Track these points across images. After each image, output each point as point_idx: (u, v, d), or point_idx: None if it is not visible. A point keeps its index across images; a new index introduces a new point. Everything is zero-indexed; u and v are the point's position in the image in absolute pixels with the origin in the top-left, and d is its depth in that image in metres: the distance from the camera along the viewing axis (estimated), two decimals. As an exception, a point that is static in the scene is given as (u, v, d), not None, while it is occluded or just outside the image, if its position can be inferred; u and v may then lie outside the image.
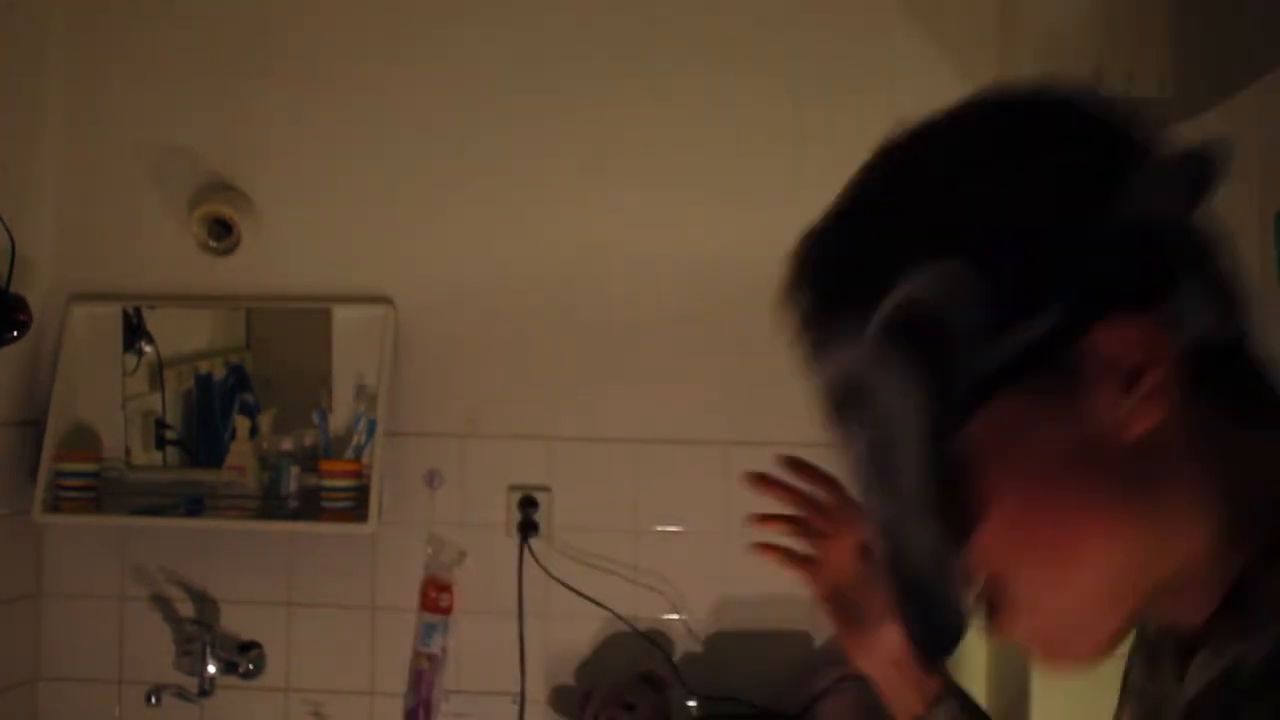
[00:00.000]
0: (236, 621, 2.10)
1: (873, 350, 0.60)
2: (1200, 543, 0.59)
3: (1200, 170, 0.59)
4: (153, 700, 1.97)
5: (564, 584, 2.02)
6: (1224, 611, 0.58)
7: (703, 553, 2.03)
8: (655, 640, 2.01)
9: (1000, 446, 0.58)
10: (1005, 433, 0.57)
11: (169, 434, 2.12)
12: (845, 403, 0.63)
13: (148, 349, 2.12)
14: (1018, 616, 0.60)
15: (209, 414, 2.11)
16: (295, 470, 2.04)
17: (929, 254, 0.58)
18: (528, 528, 2.02)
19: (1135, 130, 0.61)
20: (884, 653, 1.05)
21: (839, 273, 0.64)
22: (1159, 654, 0.69)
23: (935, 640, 0.62)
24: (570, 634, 2.04)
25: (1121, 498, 0.57)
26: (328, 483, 1.98)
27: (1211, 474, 0.58)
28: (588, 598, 2.01)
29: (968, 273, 0.57)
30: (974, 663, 1.98)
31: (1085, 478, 0.57)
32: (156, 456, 2.12)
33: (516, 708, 2.02)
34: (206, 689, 2.01)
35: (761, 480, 1.12)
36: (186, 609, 2.10)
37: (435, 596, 2.04)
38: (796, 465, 1.13)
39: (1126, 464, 0.57)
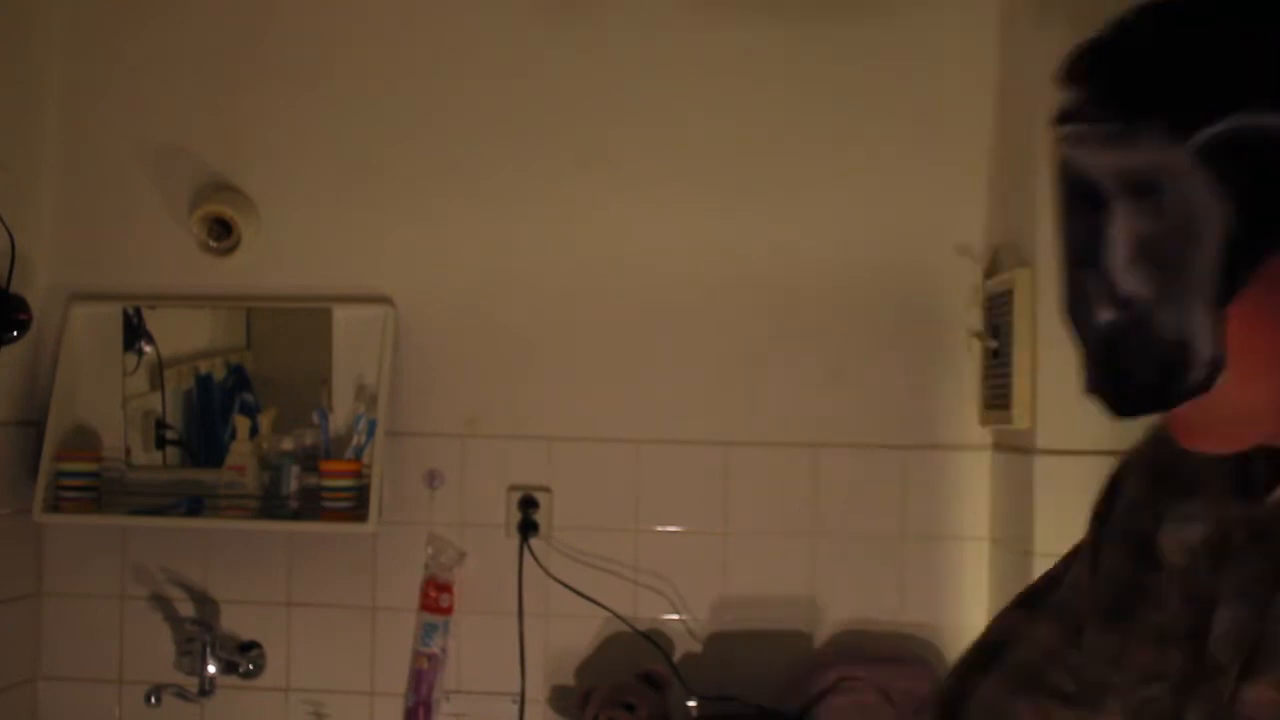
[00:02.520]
0: (236, 621, 2.10)
1: (1191, 160, 0.71)
2: None
3: None
4: (153, 700, 1.97)
5: (564, 584, 2.02)
6: None
7: (703, 553, 2.03)
8: (655, 640, 2.01)
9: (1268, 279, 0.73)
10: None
11: (169, 434, 2.12)
12: (1123, 188, 0.75)
13: (148, 349, 2.12)
14: (1205, 397, 0.76)
15: (209, 414, 2.11)
16: (295, 470, 2.04)
17: (1260, 98, 0.70)
18: (528, 528, 2.02)
19: None
20: None
21: (1154, 79, 0.74)
22: (1204, 482, 0.86)
23: (1138, 397, 0.78)
24: (570, 634, 2.04)
25: None
26: (328, 483, 1.98)
27: None
28: (588, 598, 2.01)
29: None
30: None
31: None
32: (156, 456, 2.12)
33: (516, 708, 2.02)
34: (206, 689, 2.01)
35: None
36: (186, 609, 2.10)
37: (435, 596, 2.04)
38: None
39: None
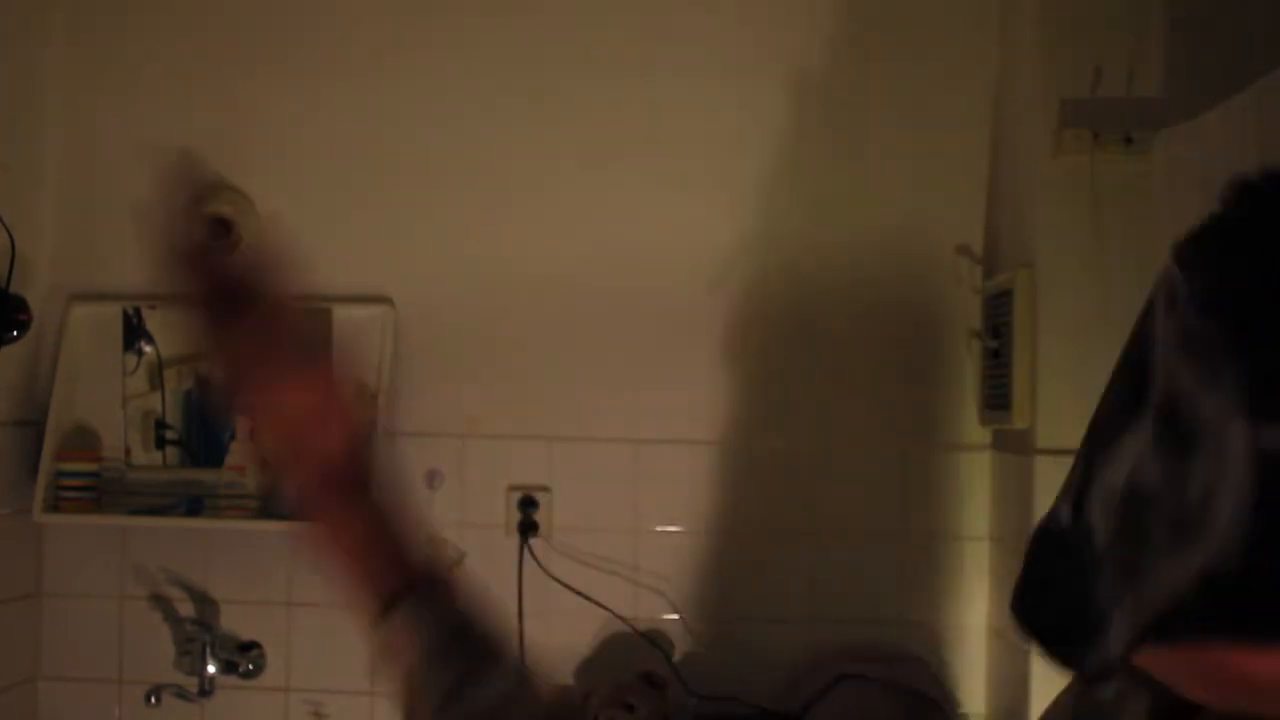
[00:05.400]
0: (236, 621, 2.10)
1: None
2: None
3: None
4: (153, 700, 1.97)
5: (564, 584, 2.01)
6: None
7: (703, 553, 2.03)
8: (655, 640, 2.01)
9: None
10: None
11: (169, 434, 2.12)
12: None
13: (148, 349, 2.12)
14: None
15: (209, 414, 2.11)
16: (295, 470, 2.04)
17: None
18: (528, 528, 2.02)
19: None
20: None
21: None
22: None
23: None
24: (570, 634, 2.04)
25: None
26: (328, 483, 1.98)
27: None
28: (588, 598, 2.01)
29: None
30: (975, 662, 1.98)
31: None
32: (156, 456, 2.12)
33: (516, 708, 2.02)
34: (206, 689, 2.01)
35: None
36: (186, 609, 2.10)
37: (435, 596, 2.04)
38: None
39: None
